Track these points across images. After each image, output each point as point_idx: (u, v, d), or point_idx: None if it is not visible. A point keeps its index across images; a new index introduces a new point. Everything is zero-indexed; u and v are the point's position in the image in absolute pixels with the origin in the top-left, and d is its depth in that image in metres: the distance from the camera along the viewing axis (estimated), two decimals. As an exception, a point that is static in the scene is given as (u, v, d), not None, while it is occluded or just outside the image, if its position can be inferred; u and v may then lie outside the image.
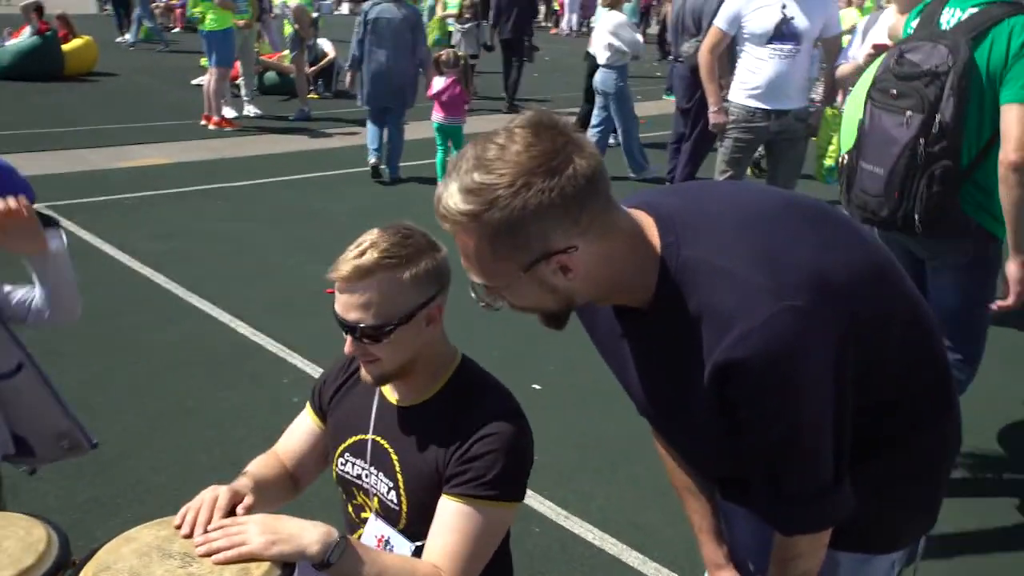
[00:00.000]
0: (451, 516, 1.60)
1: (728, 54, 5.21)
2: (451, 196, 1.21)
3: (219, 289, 5.07)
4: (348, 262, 1.59)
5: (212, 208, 6.82)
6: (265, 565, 1.43)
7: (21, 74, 12.17)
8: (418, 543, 1.71)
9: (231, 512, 1.57)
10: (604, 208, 1.24)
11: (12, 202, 1.91)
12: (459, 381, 1.72)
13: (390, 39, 7.39)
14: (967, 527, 3.13)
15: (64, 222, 6.15)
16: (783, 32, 4.92)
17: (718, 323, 1.25)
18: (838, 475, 1.36)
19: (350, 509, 1.84)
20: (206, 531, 1.50)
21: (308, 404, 1.89)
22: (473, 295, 1.34)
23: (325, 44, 12.14)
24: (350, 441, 1.78)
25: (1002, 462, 3.59)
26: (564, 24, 24.84)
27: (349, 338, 1.62)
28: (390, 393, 1.76)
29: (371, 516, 1.77)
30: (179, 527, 1.53)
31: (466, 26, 11.22)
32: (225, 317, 4.71)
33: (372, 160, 7.71)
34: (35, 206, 5.99)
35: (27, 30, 12.66)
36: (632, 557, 2.93)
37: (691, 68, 6.98)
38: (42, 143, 8.46)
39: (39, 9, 12.60)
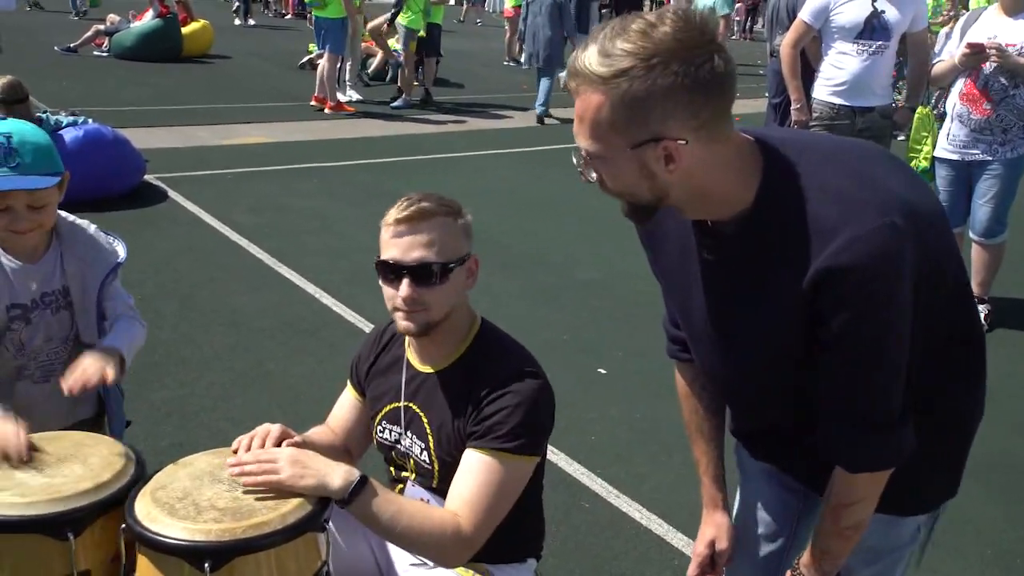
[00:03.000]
0: (469, 466, 1.70)
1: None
2: (589, 56, 1.24)
3: (305, 261, 5.31)
4: (410, 207, 1.72)
5: (305, 186, 7.10)
6: (301, 498, 1.57)
7: (142, 55, 12.82)
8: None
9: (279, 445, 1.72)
10: (724, 113, 1.27)
11: (110, 374, 1.96)
12: (479, 345, 1.83)
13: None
14: (983, 511, 3.08)
15: (170, 193, 6.55)
16: (874, 26, 4.80)
17: (822, 232, 1.28)
18: (904, 411, 1.39)
19: (392, 471, 1.96)
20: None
21: (348, 381, 2.03)
22: (574, 160, 1.35)
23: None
24: (386, 409, 1.91)
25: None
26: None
27: (406, 282, 1.70)
28: (417, 362, 1.87)
29: (409, 482, 1.89)
30: (235, 451, 1.70)
31: None
32: (310, 287, 4.94)
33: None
34: (146, 177, 6.37)
35: (149, 13, 13.31)
36: (677, 538, 2.98)
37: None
38: (157, 120, 8.94)
39: (162, -8, 13.24)
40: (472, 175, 7.80)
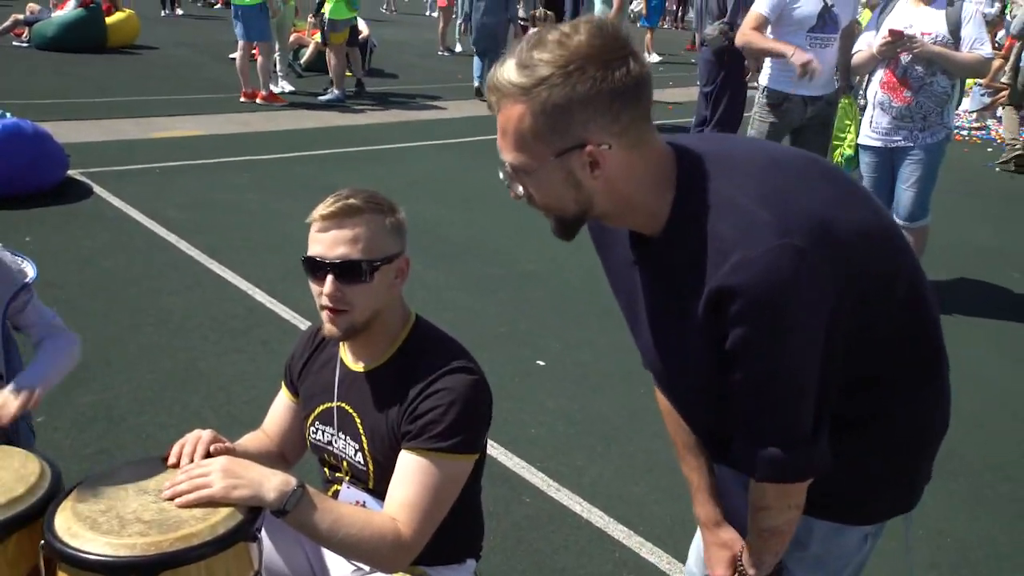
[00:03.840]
0: (405, 468, 1.67)
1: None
2: (507, 70, 1.26)
3: (238, 257, 5.19)
4: (336, 203, 1.68)
5: (237, 180, 6.94)
6: (231, 507, 1.52)
7: (65, 46, 12.41)
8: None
9: (209, 454, 1.67)
10: (643, 117, 1.29)
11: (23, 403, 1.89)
12: (413, 342, 1.80)
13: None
14: (970, 523, 3.16)
15: (95, 188, 6.35)
16: (825, 20, 4.90)
17: (720, 250, 1.28)
18: (817, 430, 1.37)
19: (326, 472, 1.92)
20: (192, 461, 1.62)
21: (282, 382, 1.98)
22: (501, 175, 1.36)
23: (359, 22, 12.22)
24: (318, 410, 1.87)
25: (1007, 459, 3.60)
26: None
27: (329, 279, 1.67)
28: (351, 361, 1.83)
29: (344, 484, 1.85)
30: (166, 459, 1.66)
31: None
32: (242, 284, 4.83)
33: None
34: (70, 172, 6.17)
35: (71, 2, 12.89)
36: (618, 530, 2.99)
37: (714, 52, 6.99)
38: (80, 113, 8.66)
39: (85, -19, 12.82)
40: (408, 166, 7.72)
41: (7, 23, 13.03)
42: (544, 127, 1.25)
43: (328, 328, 1.73)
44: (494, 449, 3.33)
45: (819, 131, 5.17)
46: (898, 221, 4.95)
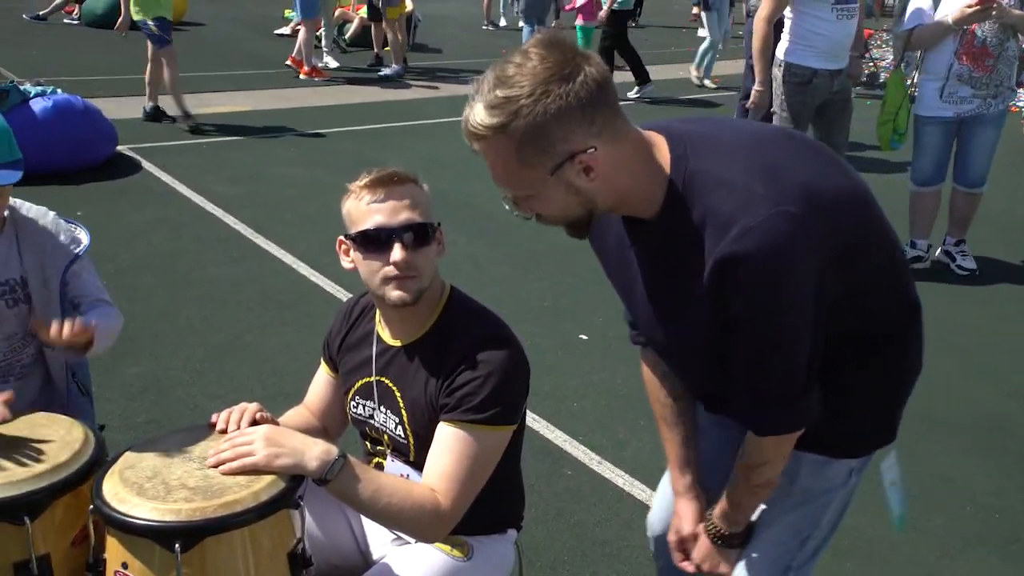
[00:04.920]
0: (444, 440, 1.67)
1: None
2: (477, 114, 1.33)
3: (284, 231, 5.25)
4: (379, 173, 1.70)
5: (283, 154, 7.01)
6: (274, 475, 1.54)
7: (114, 22, 12.49)
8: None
9: (256, 422, 1.69)
10: (614, 113, 1.36)
11: (79, 327, 1.84)
12: (449, 315, 1.79)
13: None
14: (1021, 500, 3.10)
15: (144, 163, 6.44)
16: None
17: (720, 225, 1.35)
18: (808, 383, 1.48)
19: (368, 445, 1.93)
20: (239, 427, 1.65)
21: (322, 358, 1.99)
22: (507, 207, 1.44)
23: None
24: (358, 384, 1.87)
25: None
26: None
27: (398, 246, 1.65)
28: (388, 336, 1.83)
29: (388, 457, 1.86)
30: (212, 425, 1.69)
31: None
32: (288, 258, 4.88)
33: None
34: (119, 147, 6.26)
35: (121, -21, 13.03)
36: (660, 503, 2.97)
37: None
38: (129, 89, 8.76)
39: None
40: (452, 141, 7.64)
41: (58, 0, 13.22)
42: (530, 153, 1.32)
43: (398, 295, 1.69)
44: (536, 423, 3.34)
45: (844, 106, 5.09)
46: (962, 188, 4.97)
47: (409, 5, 11.95)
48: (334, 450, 1.58)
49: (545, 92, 1.29)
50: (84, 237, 2.13)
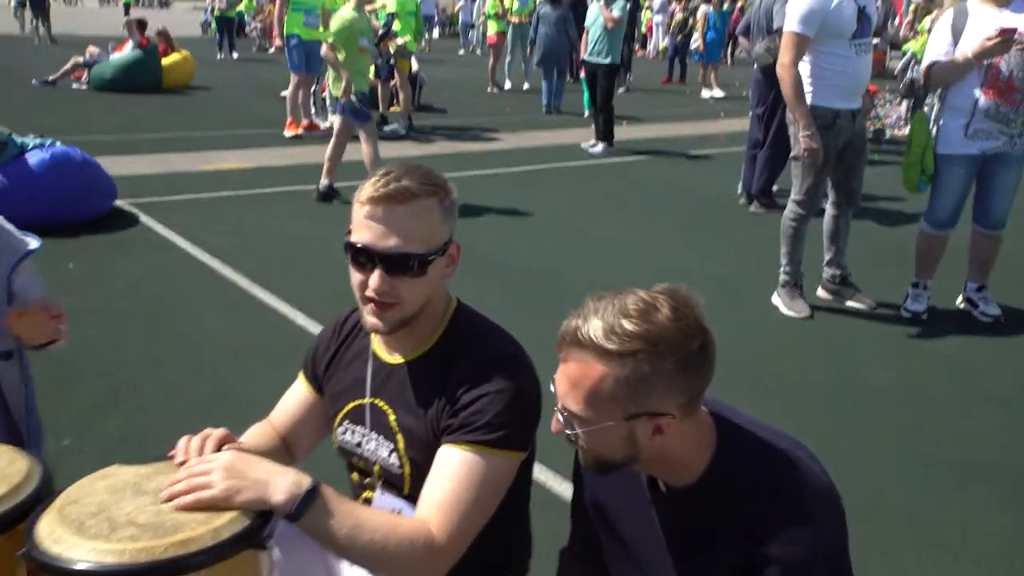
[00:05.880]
0: (444, 464, 1.48)
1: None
2: (593, 328, 1.28)
3: (282, 283, 5.08)
4: (388, 184, 1.50)
5: (284, 208, 6.89)
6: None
7: (122, 86, 12.69)
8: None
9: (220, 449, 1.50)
10: (704, 390, 1.35)
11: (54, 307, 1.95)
12: (455, 331, 1.62)
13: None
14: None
15: (142, 217, 6.33)
16: (863, 23, 4.56)
17: (761, 516, 1.33)
18: None
19: (355, 478, 1.74)
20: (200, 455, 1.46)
21: (301, 373, 1.81)
22: (557, 416, 1.37)
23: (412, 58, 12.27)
24: (348, 408, 1.69)
25: None
26: (651, 47, 24.70)
27: (378, 272, 1.50)
28: (385, 353, 1.66)
29: (377, 491, 1.66)
30: (172, 457, 1.50)
31: None
32: (284, 307, 4.71)
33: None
34: (117, 202, 6.12)
35: (129, 44, 13.21)
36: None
37: (762, 69, 6.77)
38: (132, 148, 8.74)
39: (141, 24, 13.14)
40: (463, 195, 7.58)
41: (67, 66, 13.37)
42: (624, 394, 1.28)
43: (372, 322, 1.56)
44: (543, 474, 3.11)
45: (862, 146, 4.91)
46: (984, 230, 4.77)
47: (415, 65, 12.02)
48: (305, 481, 1.37)
49: (669, 350, 1.27)
50: (34, 242, 2.05)
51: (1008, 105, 4.43)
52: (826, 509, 1.35)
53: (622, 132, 10.21)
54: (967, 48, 4.39)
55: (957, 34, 4.47)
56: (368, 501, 1.67)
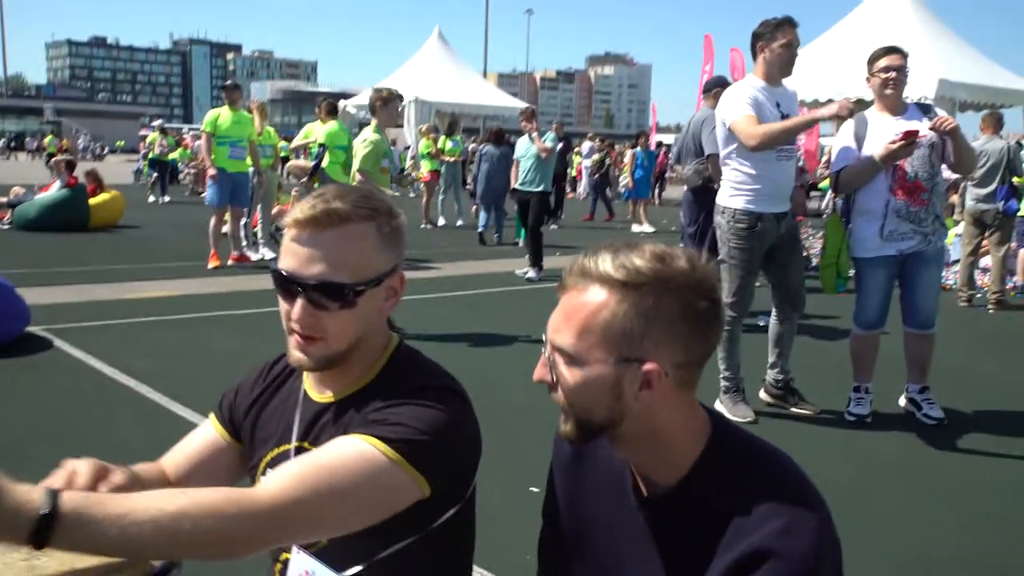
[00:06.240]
0: (326, 447, 1.31)
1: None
2: (602, 260, 1.18)
3: (203, 399, 4.79)
4: (316, 208, 1.35)
5: (210, 331, 6.64)
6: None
7: (47, 226, 12.42)
8: (347, 572, 1.39)
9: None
10: (702, 363, 1.22)
11: None
12: (392, 369, 1.46)
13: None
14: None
15: (57, 341, 6.02)
16: None
17: (753, 519, 1.16)
18: None
19: None
20: None
21: (212, 415, 1.62)
22: (543, 363, 1.25)
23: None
24: (272, 454, 1.50)
25: None
26: (581, 189, 25.47)
27: (300, 303, 1.35)
28: (315, 392, 1.49)
29: (294, 550, 1.45)
30: None
31: None
32: (202, 421, 4.42)
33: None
34: (30, 328, 5.84)
35: (56, 184, 13.05)
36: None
37: (693, 191, 6.95)
38: (50, 280, 8.45)
39: (70, 165, 13.04)
40: (403, 319, 7.45)
41: (-10, 207, 13.10)
42: (620, 330, 1.17)
43: (296, 357, 1.40)
44: (484, 577, 2.86)
45: (794, 248, 4.96)
46: (914, 331, 4.80)
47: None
48: (37, 496, 1.07)
49: (679, 290, 1.16)
50: None
51: (917, 205, 4.55)
52: (828, 517, 1.19)
53: (556, 261, 10.29)
54: (872, 152, 4.54)
55: (860, 140, 4.65)
56: (286, 563, 1.45)
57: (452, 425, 1.36)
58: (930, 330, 4.79)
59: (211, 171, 9.57)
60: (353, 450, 1.28)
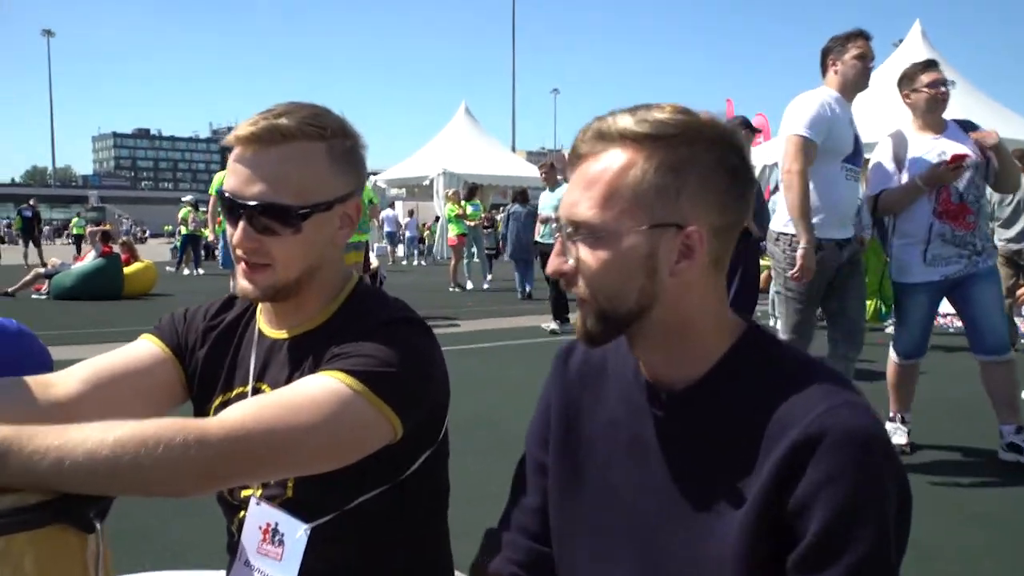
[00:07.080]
0: (287, 386, 1.24)
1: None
2: (620, 118, 1.05)
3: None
4: (260, 122, 1.28)
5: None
6: None
7: (82, 293, 12.64)
8: (314, 522, 1.30)
9: None
10: (736, 230, 1.09)
11: None
12: (351, 305, 1.39)
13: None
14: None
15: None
16: (856, 149, 4.28)
17: (793, 415, 1.00)
18: None
19: (227, 495, 1.42)
20: None
21: (153, 334, 1.48)
22: (556, 231, 1.09)
23: (371, 255, 12.46)
24: (223, 398, 1.41)
25: None
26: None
27: (241, 224, 1.28)
28: (269, 327, 1.41)
29: (253, 500, 1.36)
30: None
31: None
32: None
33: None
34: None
35: (91, 254, 13.30)
36: None
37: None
38: (78, 340, 8.53)
39: (106, 235, 13.31)
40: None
41: (28, 277, 13.38)
42: (651, 188, 1.02)
43: (242, 286, 1.32)
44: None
45: (857, 274, 4.39)
46: (987, 358, 4.38)
47: (375, 262, 12.17)
48: None
49: (709, 139, 1.04)
50: None
51: (963, 229, 4.31)
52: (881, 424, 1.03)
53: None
54: (915, 175, 4.31)
55: (900, 162, 4.41)
56: (241, 523, 1.36)
57: (420, 358, 1.29)
58: (1005, 355, 4.35)
59: (210, 236, 9.62)
60: (315, 383, 1.22)
